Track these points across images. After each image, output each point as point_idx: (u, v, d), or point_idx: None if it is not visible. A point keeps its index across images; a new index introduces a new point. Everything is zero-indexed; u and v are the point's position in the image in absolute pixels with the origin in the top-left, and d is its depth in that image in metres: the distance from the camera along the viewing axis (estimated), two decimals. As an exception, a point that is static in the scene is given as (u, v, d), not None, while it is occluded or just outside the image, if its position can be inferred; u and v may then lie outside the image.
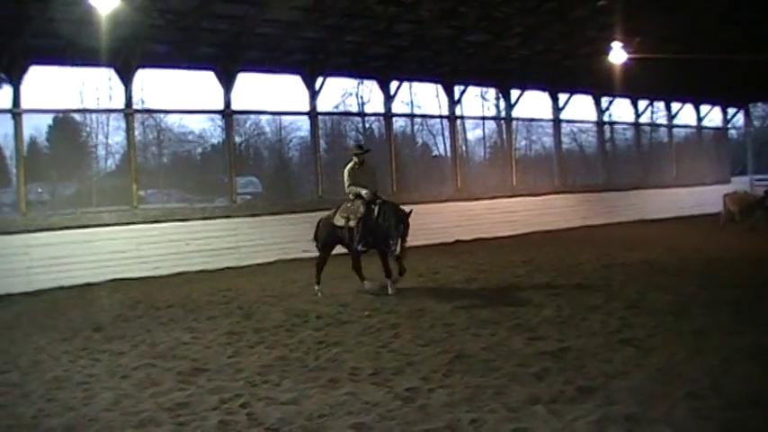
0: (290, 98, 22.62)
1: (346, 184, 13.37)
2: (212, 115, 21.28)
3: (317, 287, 13.49)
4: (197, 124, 22.62)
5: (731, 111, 37.46)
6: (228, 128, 20.29)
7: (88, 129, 20.77)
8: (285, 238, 19.72)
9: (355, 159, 13.50)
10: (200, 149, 23.63)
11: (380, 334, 9.74)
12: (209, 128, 22.60)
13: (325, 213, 14.21)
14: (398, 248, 12.38)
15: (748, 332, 8.72)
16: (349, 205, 13.20)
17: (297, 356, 8.66)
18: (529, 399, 6.58)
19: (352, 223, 12.96)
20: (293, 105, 22.47)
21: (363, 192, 13.00)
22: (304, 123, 22.64)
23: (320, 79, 21.54)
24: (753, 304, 10.65)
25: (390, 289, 12.85)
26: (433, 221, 22.26)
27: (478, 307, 11.33)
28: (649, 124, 34.30)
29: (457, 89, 25.24)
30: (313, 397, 6.97)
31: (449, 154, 26.16)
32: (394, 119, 24.38)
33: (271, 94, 28.07)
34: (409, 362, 8.12)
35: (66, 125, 20.51)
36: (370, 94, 26.43)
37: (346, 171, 13.44)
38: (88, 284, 15.93)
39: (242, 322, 11.00)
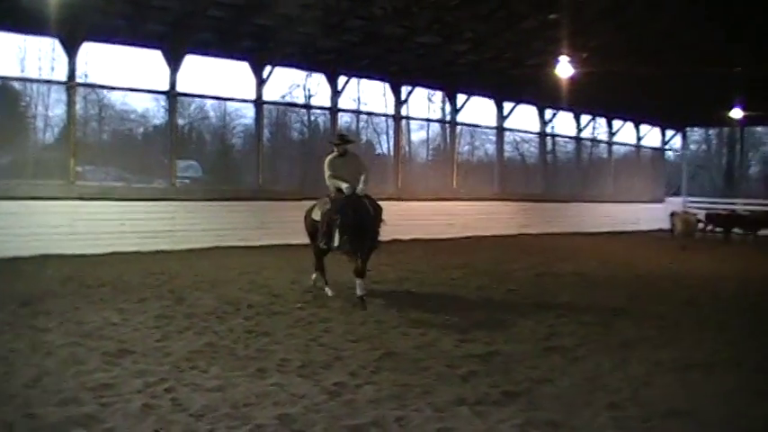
0: (236, 84, 22.49)
1: (326, 177, 12.37)
2: (156, 95, 21.01)
3: (313, 276, 12.87)
4: (140, 103, 22.35)
5: (669, 133, 38.26)
6: (172, 109, 19.98)
7: (28, 99, 20.35)
8: (223, 224, 19.58)
9: (336, 150, 12.51)
10: (141, 129, 23.33)
11: (311, 327, 9.76)
12: (153, 108, 22.35)
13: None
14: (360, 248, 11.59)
15: (670, 346, 9.01)
16: (326, 199, 12.35)
17: (226, 344, 8.62)
18: (455, 399, 6.68)
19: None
20: (239, 92, 22.29)
21: (344, 186, 11.91)
22: (249, 111, 22.45)
23: (268, 68, 21.36)
24: (676, 319, 10.95)
25: (359, 290, 11.44)
26: (372, 219, 22.35)
27: (410, 307, 11.40)
28: (590, 139, 34.86)
29: (404, 89, 25.28)
30: (239, 385, 6.95)
31: (392, 153, 26.23)
32: (340, 114, 24.35)
33: (217, 79, 27.93)
34: (338, 356, 8.17)
35: (4, 93, 20.02)
36: (317, 88, 26.42)
37: (326, 162, 12.45)
38: (17, 258, 15.53)
39: (173, 306, 10.88)
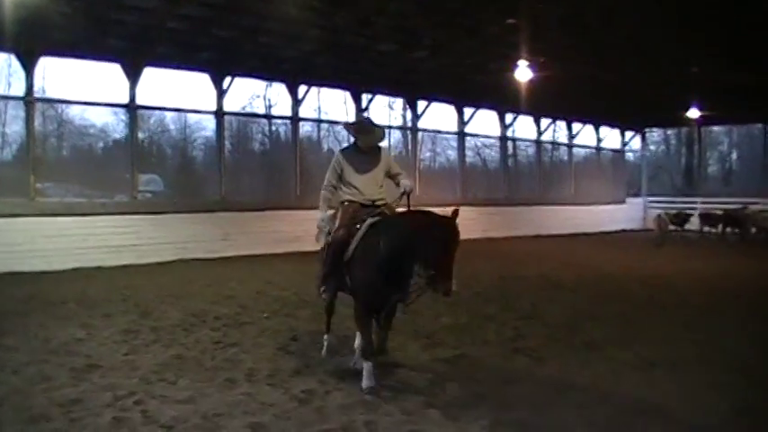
0: (197, 96, 22.42)
1: (326, 181, 8.34)
2: (116, 109, 20.94)
3: (325, 339, 8.80)
4: (100, 117, 22.30)
5: (629, 134, 38.73)
6: (132, 123, 19.87)
7: (-16, 116, 20.19)
8: (186, 237, 19.51)
9: (359, 140, 8.37)
10: (101, 144, 23.23)
11: (279, 336, 9.76)
12: (113, 122, 22.31)
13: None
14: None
15: (633, 345, 9.13)
16: (333, 216, 8.22)
17: (193, 356, 8.62)
18: (424, 403, 6.74)
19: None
20: (200, 104, 22.25)
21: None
22: (210, 123, 22.45)
23: (228, 79, 21.37)
24: (639, 319, 11.11)
25: (367, 380, 7.23)
26: (336, 227, 22.41)
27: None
28: (551, 142, 35.22)
29: (365, 97, 25.37)
30: (209, 396, 6.97)
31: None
32: (301, 123, 24.38)
33: (177, 92, 27.85)
34: (307, 364, 8.20)
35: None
36: (277, 98, 26.45)
37: (339, 157, 8.35)
38: (-22, 277, 15.39)
39: (138, 320, 10.82)
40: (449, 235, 6.81)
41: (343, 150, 8.51)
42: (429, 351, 8.78)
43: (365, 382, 7.10)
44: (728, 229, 27.93)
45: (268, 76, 23.87)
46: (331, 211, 8.28)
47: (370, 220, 7.58)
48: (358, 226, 7.61)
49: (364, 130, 8.32)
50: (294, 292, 13.55)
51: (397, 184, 8.21)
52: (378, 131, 8.35)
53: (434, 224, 6.84)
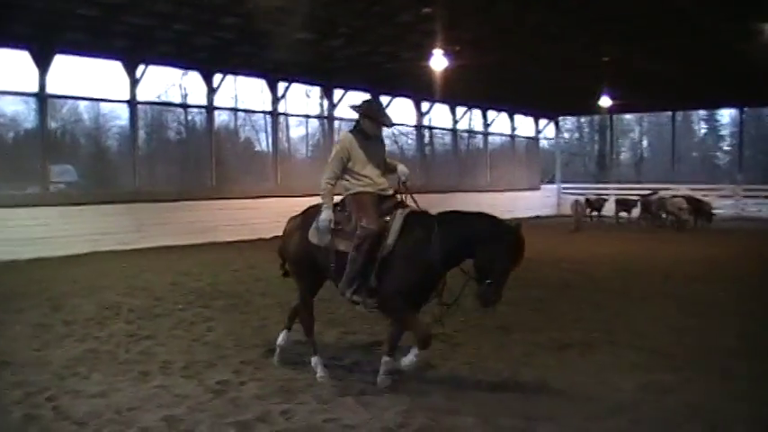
0: (110, 85, 22.01)
1: (326, 176, 7.33)
2: (26, 98, 20.35)
3: (281, 337, 8.06)
4: (9, 106, 21.64)
5: (543, 122, 39.42)
6: (43, 112, 19.39)
7: None
8: (100, 229, 19.15)
9: (367, 126, 7.46)
10: (11, 134, 22.60)
11: (194, 327, 9.74)
12: (23, 111, 21.67)
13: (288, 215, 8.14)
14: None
15: (546, 328, 9.40)
16: (340, 210, 7.33)
17: (107, 349, 8.53)
18: (339, 391, 6.83)
19: (343, 245, 7.11)
20: (113, 93, 21.84)
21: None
22: (124, 112, 22.00)
23: (142, 67, 21.03)
24: (551, 303, 11.42)
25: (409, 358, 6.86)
26: (253, 216, 22.36)
27: (292, 302, 11.47)
28: (466, 131, 35.62)
29: (281, 86, 25.29)
30: (123, 390, 6.92)
31: (270, 150, 26.18)
32: (217, 112, 24.18)
33: (90, 80, 27.27)
34: (222, 355, 8.21)
35: None
36: (193, 86, 26.15)
37: (339, 147, 7.43)
38: None
39: (51, 314, 10.64)
40: (518, 248, 6.62)
41: (350, 136, 7.46)
42: (345, 339, 8.89)
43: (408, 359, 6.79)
44: (642, 215, 28.78)
45: (182, 64, 23.58)
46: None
47: (401, 212, 7.13)
48: (387, 218, 7.07)
49: (375, 113, 7.55)
50: (209, 283, 13.53)
51: (393, 170, 7.62)
52: (389, 116, 7.75)
53: (507, 232, 6.64)
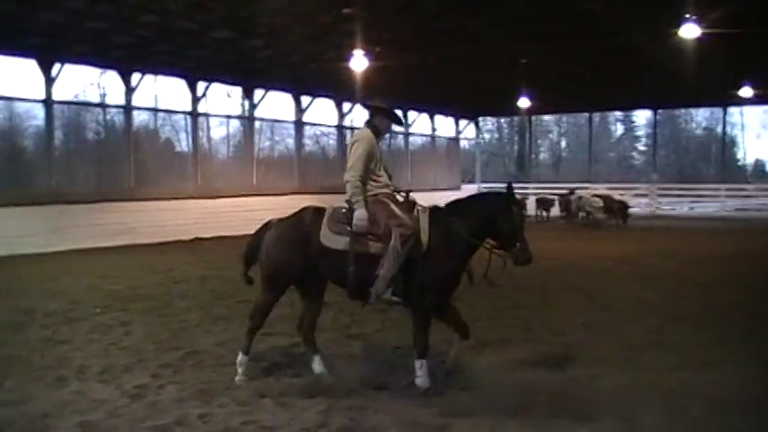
0: (25, 84, 21.52)
1: (355, 173, 7.12)
2: (-66, 97, 19.79)
3: (241, 357, 7.44)
4: None
5: (463, 122, 39.85)
6: (-47, 112, 18.89)
7: None
8: (15, 231, 18.69)
9: (380, 123, 7.49)
10: None
11: (111, 331, 9.59)
12: (-67, 111, 21.02)
13: (274, 218, 7.69)
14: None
15: (469, 326, 9.42)
16: (358, 211, 6.99)
17: (22, 355, 8.35)
18: (258, 392, 6.81)
19: (375, 248, 6.92)
20: (28, 92, 21.34)
21: (381, 188, 7.38)
22: (40, 112, 21.47)
23: (58, 65, 20.62)
24: (475, 301, 11.46)
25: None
26: (172, 218, 22.11)
27: (212, 304, 11.45)
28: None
29: (201, 85, 25.06)
30: (37, 397, 6.79)
31: (191, 150, 25.91)
32: (136, 112, 23.83)
33: (4, 78, 26.58)
34: (140, 359, 8.11)
35: None
36: (112, 86, 25.69)
37: (365, 146, 7.18)
38: None
39: (-38, 321, 10.35)
40: (520, 206, 7.46)
41: (370, 133, 7.31)
42: (264, 341, 8.79)
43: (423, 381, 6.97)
44: (559, 213, 29.42)
45: (100, 63, 23.19)
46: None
47: (421, 209, 7.19)
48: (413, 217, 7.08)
49: (390, 113, 7.52)
50: (128, 286, 13.32)
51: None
52: (399, 116, 7.80)
53: (508, 198, 7.18)
